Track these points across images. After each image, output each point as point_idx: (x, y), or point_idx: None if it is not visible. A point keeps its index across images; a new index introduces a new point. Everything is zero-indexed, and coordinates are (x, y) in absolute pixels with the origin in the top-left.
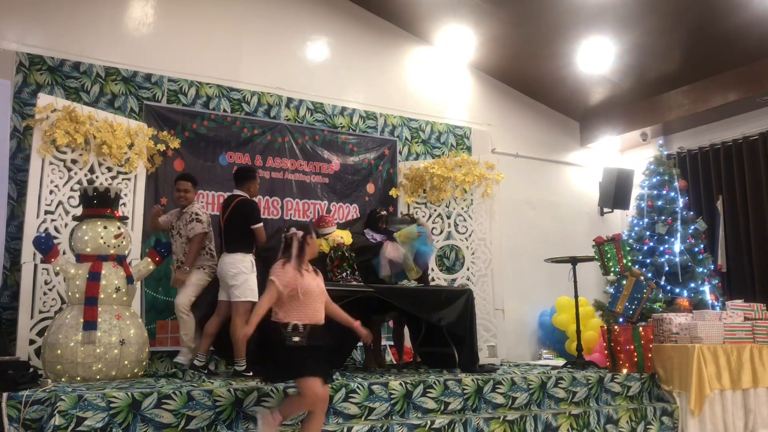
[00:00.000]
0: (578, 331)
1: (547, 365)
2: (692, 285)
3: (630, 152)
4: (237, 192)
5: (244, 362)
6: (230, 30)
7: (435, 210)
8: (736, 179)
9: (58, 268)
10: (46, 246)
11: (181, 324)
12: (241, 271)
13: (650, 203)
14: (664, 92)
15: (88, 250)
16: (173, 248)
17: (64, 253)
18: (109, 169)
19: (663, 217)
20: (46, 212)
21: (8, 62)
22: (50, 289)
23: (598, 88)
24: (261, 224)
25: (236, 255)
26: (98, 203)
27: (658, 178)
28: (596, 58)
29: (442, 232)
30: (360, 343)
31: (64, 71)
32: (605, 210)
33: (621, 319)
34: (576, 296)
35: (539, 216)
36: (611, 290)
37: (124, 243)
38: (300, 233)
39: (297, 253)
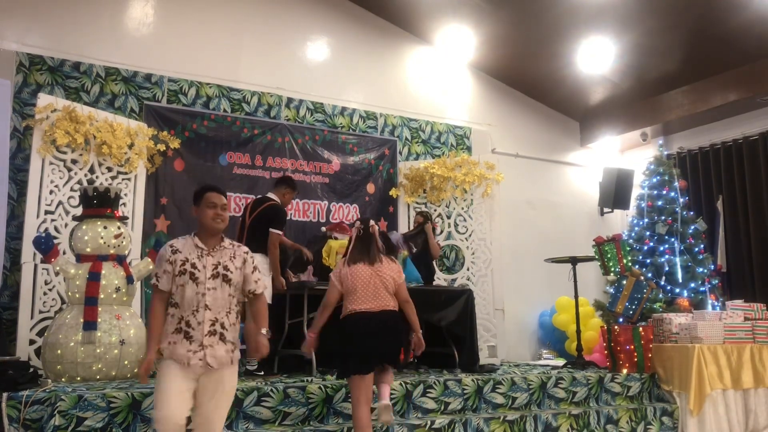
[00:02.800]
0: (578, 331)
1: (547, 365)
2: (692, 285)
3: (630, 152)
4: (270, 195)
5: (256, 362)
6: (230, 30)
7: (435, 210)
8: (736, 179)
9: (58, 268)
10: (46, 246)
11: None
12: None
13: (650, 203)
14: (664, 92)
15: (88, 250)
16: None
17: (64, 253)
18: (109, 169)
19: (663, 217)
20: (46, 212)
21: (8, 62)
22: (50, 289)
23: (598, 88)
24: (280, 232)
25: (257, 255)
26: (98, 203)
27: (658, 178)
28: (596, 58)
29: (442, 232)
30: None
31: (64, 71)
32: (605, 210)
33: (621, 319)
34: (576, 296)
35: (539, 216)
36: (611, 290)
37: (124, 243)
38: (356, 224)
39: (352, 243)
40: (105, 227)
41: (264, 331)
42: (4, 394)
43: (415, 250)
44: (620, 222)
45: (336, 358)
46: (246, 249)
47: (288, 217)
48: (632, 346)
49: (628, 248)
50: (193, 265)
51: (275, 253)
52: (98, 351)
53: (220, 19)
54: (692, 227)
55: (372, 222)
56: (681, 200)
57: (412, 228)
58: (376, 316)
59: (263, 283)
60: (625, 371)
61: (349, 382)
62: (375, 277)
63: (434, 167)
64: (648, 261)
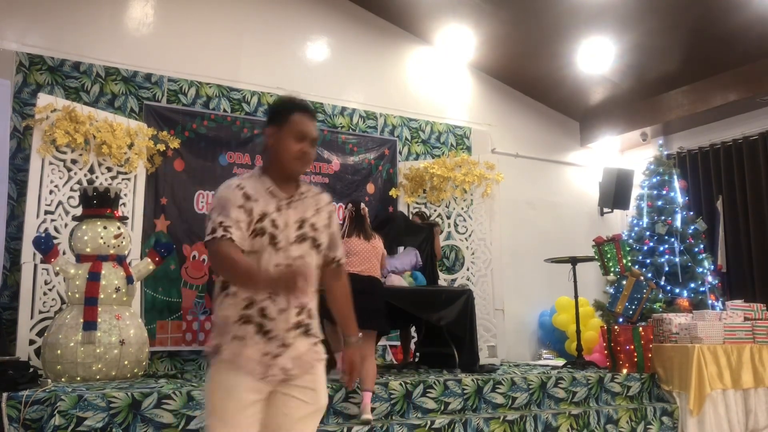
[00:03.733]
0: (578, 331)
1: (547, 365)
2: (692, 285)
3: (630, 152)
4: None
5: None
6: (230, 30)
7: (435, 210)
8: (736, 179)
9: (58, 268)
10: (46, 246)
11: None
12: None
13: (650, 203)
14: (664, 92)
15: (88, 250)
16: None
17: (64, 253)
18: (109, 169)
19: (663, 217)
20: (46, 212)
21: (8, 62)
22: (50, 289)
23: (598, 88)
24: None
25: None
26: (98, 203)
27: (658, 178)
28: (596, 58)
29: (442, 232)
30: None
31: (64, 71)
32: (605, 210)
33: (621, 319)
34: (576, 296)
35: (539, 216)
36: (611, 290)
37: (123, 243)
38: (349, 206)
39: (347, 223)
40: (105, 227)
41: (356, 338)
42: (4, 394)
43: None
44: (620, 222)
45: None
46: (328, 198)
47: None
48: (632, 346)
49: (627, 248)
50: (273, 223)
51: None
52: (98, 351)
53: (220, 19)
54: (692, 227)
55: (362, 204)
56: (681, 200)
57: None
58: (365, 279)
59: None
60: (625, 371)
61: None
62: (369, 246)
63: (434, 167)
64: (648, 261)
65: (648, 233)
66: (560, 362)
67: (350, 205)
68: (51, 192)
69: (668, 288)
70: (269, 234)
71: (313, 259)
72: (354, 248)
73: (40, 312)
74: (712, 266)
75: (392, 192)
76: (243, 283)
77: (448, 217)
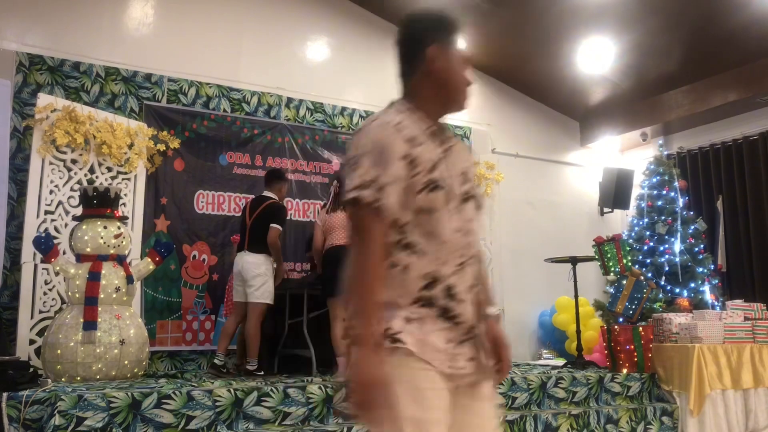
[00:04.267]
0: (578, 331)
1: (547, 365)
2: (692, 285)
3: (630, 152)
4: (267, 194)
5: (256, 362)
6: (230, 30)
7: None
8: (736, 179)
9: (58, 268)
10: (46, 246)
11: None
12: (263, 273)
13: (650, 203)
14: (664, 92)
15: (88, 250)
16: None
17: (64, 253)
18: (109, 169)
19: (663, 217)
20: (46, 212)
21: (8, 62)
22: (50, 289)
23: (598, 88)
24: (280, 228)
25: (260, 256)
26: (98, 203)
27: (658, 178)
28: (596, 58)
29: None
30: None
31: (64, 71)
32: (605, 210)
33: (621, 319)
34: (576, 296)
35: (539, 216)
36: (611, 290)
37: (124, 243)
38: (335, 183)
39: (332, 198)
40: (105, 227)
41: (497, 310)
42: (4, 394)
43: None
44: (620, 222)
45: (322, 284)
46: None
47: (287, 217)
48: (632, 346)
49: (628, 248)
50: (444, 173)
51: (277, 245)
52: (98, 351)
53: (220, 19)
54: (692, 227)
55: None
56: (681, 200)
57: None
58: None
59: None
60: (625, 371)
61: (329, 304)
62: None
63: None
64: (648, 261)
65: (648, 233)
66: (560, 362)
67: (335, 181)
68: (51, 192)
69: (668, 288)
70: (444, 188)
71: (478, 224)
72: (339, 222)
73: (40, 312)
74: (712, 266)
75: None
76: (355, 309)
77: None
